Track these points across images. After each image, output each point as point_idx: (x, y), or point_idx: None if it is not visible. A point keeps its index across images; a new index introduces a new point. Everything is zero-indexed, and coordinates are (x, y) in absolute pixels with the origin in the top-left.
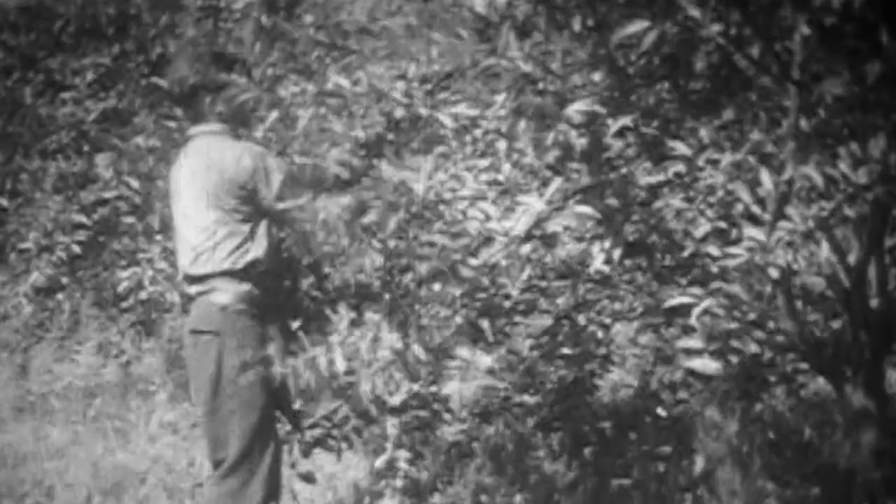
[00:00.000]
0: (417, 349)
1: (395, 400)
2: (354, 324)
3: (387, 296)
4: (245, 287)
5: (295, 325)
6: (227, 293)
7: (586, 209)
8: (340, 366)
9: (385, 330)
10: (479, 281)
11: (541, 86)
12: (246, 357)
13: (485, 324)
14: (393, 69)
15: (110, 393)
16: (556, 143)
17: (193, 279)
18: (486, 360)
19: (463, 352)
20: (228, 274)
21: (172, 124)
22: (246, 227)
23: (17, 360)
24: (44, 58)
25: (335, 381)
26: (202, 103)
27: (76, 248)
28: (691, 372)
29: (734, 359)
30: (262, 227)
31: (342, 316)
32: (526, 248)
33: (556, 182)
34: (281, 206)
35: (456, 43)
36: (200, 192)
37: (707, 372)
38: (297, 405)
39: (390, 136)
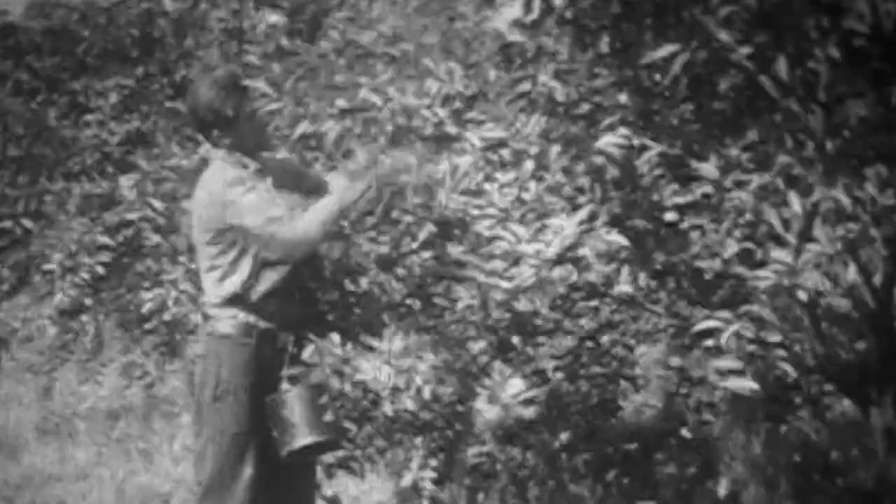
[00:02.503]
0: (445, 367)
1: (423, 416)
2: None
3: (416, 313)
4: (232, 313)
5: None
6: (219, 322)
7: (615, 235)
8: (384, 377)
9: (409, 345)
10: (510, 304)
11: (571, 111)
12: (222, 383)
13: (515, 340)
14: (421, 89)
15: (134, 414)
16: (588, 172)
17: (205, 304)
18: (518, 383)
19: (493, 374)
20: (216, 305)
21: (194, 146)
22: (225, 259)
23: (42, 382)
24: (68, 80)
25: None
26: (215, 131)
27: (100, 270)
28: (719, 393)
29: (760, 381)
30: (248, 256)
31: (389, 332)
32: (557, 271)
33: (588, 207)
34: (266, 231)
35: (483, 65)
36: (194, 221)
37: (743, 392)
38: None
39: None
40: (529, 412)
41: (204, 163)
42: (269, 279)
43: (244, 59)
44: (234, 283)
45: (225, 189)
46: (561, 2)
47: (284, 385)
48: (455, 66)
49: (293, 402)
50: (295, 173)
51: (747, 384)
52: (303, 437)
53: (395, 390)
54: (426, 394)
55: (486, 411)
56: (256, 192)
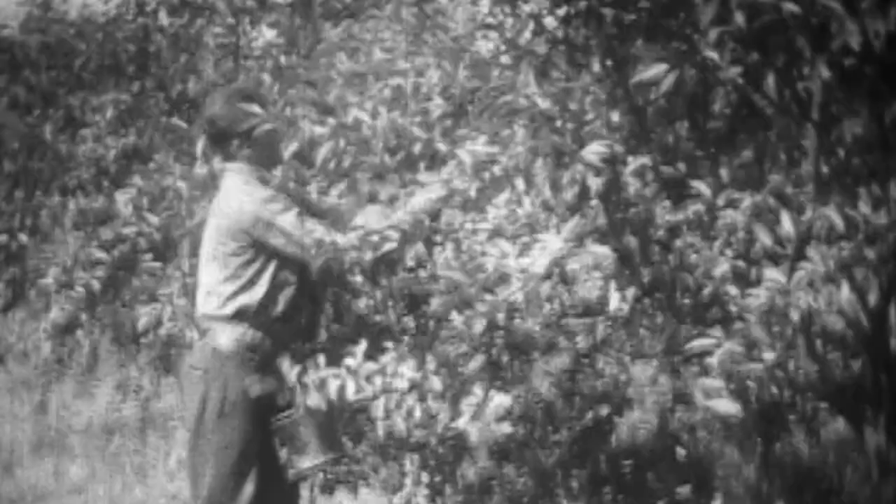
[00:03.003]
0: (435, 383)
1: (415, 435)
2: (371, 357)
3: (404, 331)
4: (240, 330)
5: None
6: (222, 336)
7: (604, 249)
8: (351, 392)
9: (402, 364)
10: (496, 317)
11: (559, 124)
12: (227, 401)
13: (504, 359)
14: (411, 106)
15: (129, 430)
16: (572, 183)
17: (201, 317)
18: (505, 399)
19: (478, 390)
20: (222, 318)
21: (190, 161)
22: (248, 272)
23: (37, 397)
24: (64, 95)
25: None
26: (231, 144)
27: (95, 285)
28: (709, 413)
29: (754, 400)
30: (268, 273)
31: (358, 347)
32: (545, 287)
33: (574, 221)
34: (288, 250)
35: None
36: (212, 231)
37: (726, 413)
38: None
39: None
40: (515, 429)
41: (211, 178)
42: (284, 298)
43: (239, 76)
44: (251, 297)
45: (261, 205)
46: (553, 21)
47: (297, 402)
48: (447, 83)
49: (306, 421)
50: (297, 195)
51: (731, 407)
52: (313, 457)
53: (387, 410)
54: (417, 413)
55: (470, 429)
56: (292, 214)
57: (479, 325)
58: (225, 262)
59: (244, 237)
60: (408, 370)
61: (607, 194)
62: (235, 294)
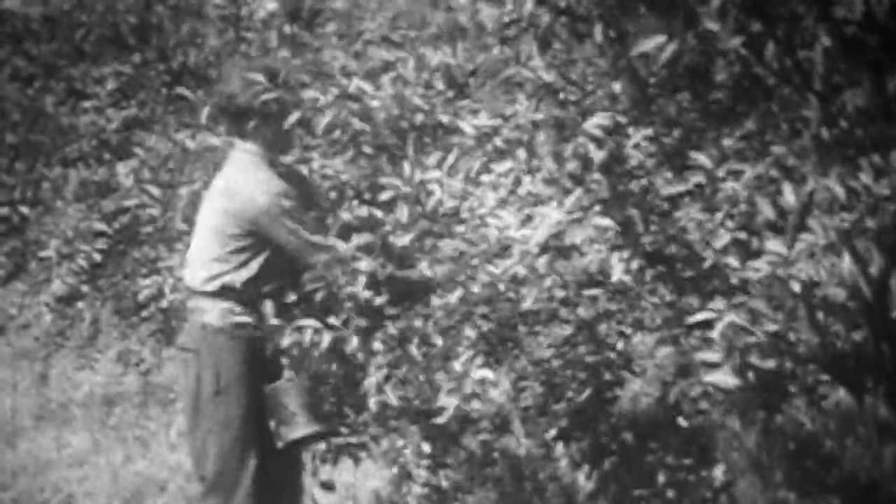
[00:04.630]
0: (420, 357)
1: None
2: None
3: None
4: (227, 305)
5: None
6: (209, 312)
7: (605, 220)
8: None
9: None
10: (497, 289)
11: (561, 96)
12: (223, 376)
13: (501, 334)
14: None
15: (130, 401)
16: (575, 155)
17: (186, 291)
18: (488, 374)
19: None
20: (208, 294)
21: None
22: (242, 256)
23: (38, 369)
24: (65, 66)
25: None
26: (248, 122)
27: (97, 257)
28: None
29: (755, 372)
30: (261, 258)
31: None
32: (544, 259)
33: (576, 193)
34: (289, 247)
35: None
36: (212, 209)
37: (725, 386)
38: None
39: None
40: (495, 403)
41: (215, 150)
42: (270, 278)
43: (240, 48)
44: (238, 278)
45: (273, 199)
46: None
47: (285, 374)
48: (450, 54)
49: (292, 391)
50: (303, 185)
51: (729, 379)
52: (302, 428)
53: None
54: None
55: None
56: (298, 215)
57: (477, 295)
58: (223, 242)
59: (248, 225)
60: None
61: (609, 166)
62: (224, 273)
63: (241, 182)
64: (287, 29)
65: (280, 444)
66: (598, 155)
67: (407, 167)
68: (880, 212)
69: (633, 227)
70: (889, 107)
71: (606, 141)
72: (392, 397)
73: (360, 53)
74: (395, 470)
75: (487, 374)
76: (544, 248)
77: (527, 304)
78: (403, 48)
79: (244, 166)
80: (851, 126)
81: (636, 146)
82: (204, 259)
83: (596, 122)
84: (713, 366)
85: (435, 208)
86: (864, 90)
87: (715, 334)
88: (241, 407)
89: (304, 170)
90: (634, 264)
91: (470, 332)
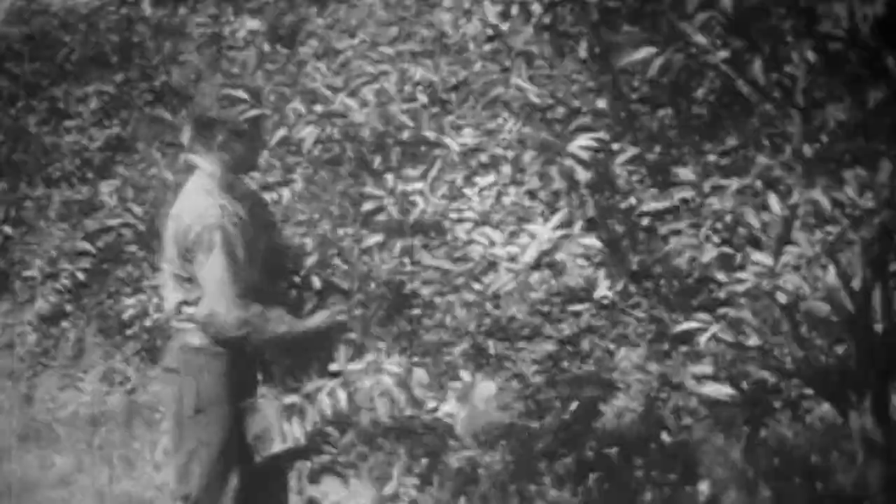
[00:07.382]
0: (420, 374)
1: (400, 423)
2: (358, 351)
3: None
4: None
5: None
6: (188, 332)
7: (592, 239)
8: (342, 400)
9: (387, 356)
10: (483, 306)
11: (548, 115)
12: (202, 395)
13: (489, 345)
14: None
15: (115, 421)
16: (561, 175)
17: (167, 321)
18: (490, 385)
19: (465, 375)
20: (184, 317)
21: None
22: (188, 286)
23: (22, 389)
24: (48, 86)
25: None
26: (216, 136)
27: (81, 276)
28: (697, 398)
29: (740, 384)
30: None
31: (341, 352)
32: (534, 277)
33: (562, 211)
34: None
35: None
36: (168, 233)
37: (718, 397)
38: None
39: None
40: (503, 415)
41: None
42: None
43: (222, 67)
44: (199, 309)
45: (215, 229)
46: (539, 8)
47: (260, 391)
48: (433, 70)
49: (267, 407)
50: (262, 212)
51: (724, 390)
52: (277, 444)
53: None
54: (402, 401)
55: (456, 415)
56: (234, 261)
57: (464, 312)
58: (183, 265)
59: (183, 250)
60: (391, 359)
61: (595, 185)
62: (183, 303)
63: (186, 205)
64: (267, 47)
65: (258, 459)
66: (584, 175)
67: (390, 178)
68: (864, 225)
69: (618, 243)
70: (870, 121)
71: (592, 162)
72: (382, 411)
73: (344, 65)
74: (384, 490)
75: (492, 386)
76: (535, 266)
77: (519, 316)
78: (384, 63)
79: (197, 186)
80: (833, 140)
81: (624, 165)
82: (173, 284)
83: (581, 144)
84: (705, 378)
85: (418, 219)
86: (846, 105)
87: (700, 346)
88: (221, 426)
89: (285, 193)
90: (620, 281)
91: (456, 350)
